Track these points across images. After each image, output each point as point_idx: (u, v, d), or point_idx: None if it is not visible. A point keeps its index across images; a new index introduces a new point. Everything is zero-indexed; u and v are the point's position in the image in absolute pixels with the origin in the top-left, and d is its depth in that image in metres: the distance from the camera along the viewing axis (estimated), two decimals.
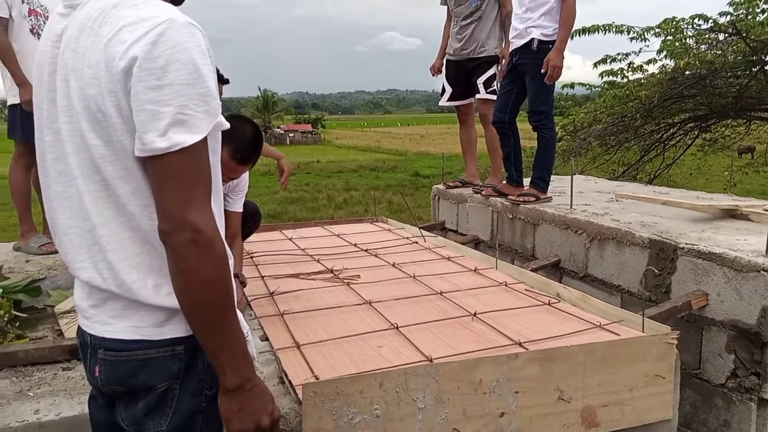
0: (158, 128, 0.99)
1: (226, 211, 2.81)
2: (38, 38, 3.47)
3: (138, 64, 0.99)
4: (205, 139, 1.04)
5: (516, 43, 3.91)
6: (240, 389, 1.08)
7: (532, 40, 3.79)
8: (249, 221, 3.10)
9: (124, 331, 1.12)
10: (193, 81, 1.02)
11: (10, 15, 3.37)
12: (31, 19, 3.45)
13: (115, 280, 1.10)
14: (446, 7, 4.82)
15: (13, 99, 3.44)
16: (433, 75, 5.00)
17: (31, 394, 1.90)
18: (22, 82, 3.35)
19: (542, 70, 3.69)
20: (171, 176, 1.01)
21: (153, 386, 1.13)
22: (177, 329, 1.12)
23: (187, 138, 1.01)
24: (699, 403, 2.78)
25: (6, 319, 2.24)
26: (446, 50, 4.84)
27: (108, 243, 1.09)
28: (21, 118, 3.42)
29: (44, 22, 3.52)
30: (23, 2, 3.43)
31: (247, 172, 2.89)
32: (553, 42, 3.76)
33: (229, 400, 1.09)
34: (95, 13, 1.06)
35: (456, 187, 4.92)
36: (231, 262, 1.13)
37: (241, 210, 2.87)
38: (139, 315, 1.12)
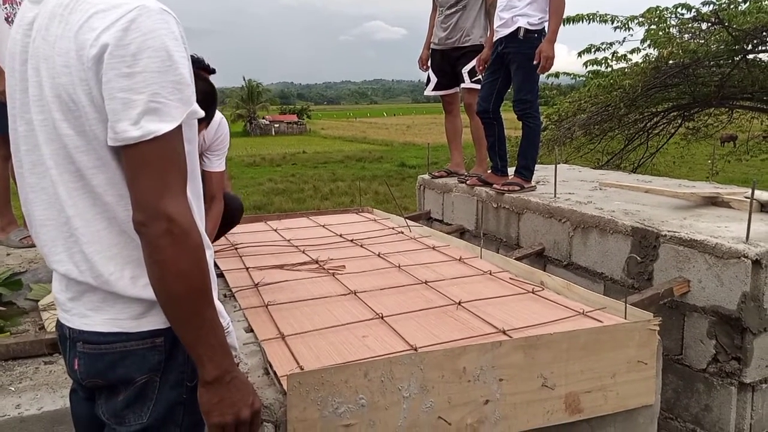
0: (130, 117, 0.98)
1: (203, 171, 2.77)
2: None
3: (109, 51, 0.98)
4: (180, 127, 1.03)
5: (501, 32, 3.90)
6: (219, 381, 1.07)
7: (518, 29, 3.79)
8: (229, 216, 3.03)
9: (103, 324, 1.11)
10: (165, 68, 1.00)
11: None
12: (6, 7, 3.37)
13: (91, 272, 1.09)
14: None
15: None
16: (421, 68, 4.97)
17: (13, 389, 1.88)
18: None
19: (534, 62, 3.69)
20: (144, 165, 1.00)
21: (133, 379, 1.12)
22: (156, 321, 1.11)
23: (160, 126, 0.99)
24: (681, 388, 2.82)
25: None
26: (432, 40, 4.82)
27: (83, 235, 1.08)
28: None
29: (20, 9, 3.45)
30: None
31: (227, 130, 2.83)
32: (539, 31, 3.76)
33: (209, 392, 1.08)
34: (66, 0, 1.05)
35: (441, 176, 4.93)
36: (209, 252, 1.12)
37: (222, 169, 2.79)
38: (117, 307, 1.11)
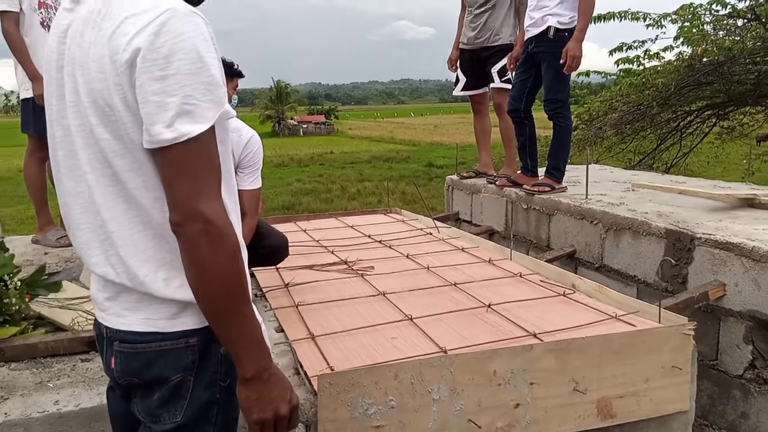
0: (164, 119, 0.99)
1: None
2: (48, 31, 3.46)
3: (141, 55, 0.99)
4: (213, 128, 1.03)
5: (532, 31, 3.89)
6: (257, 378, 1.08)
7: (548, 28, 3.77)
8: (273, 254, 2.92)
9: (139, 323, 1.13)
10: (197, 70, 1.01)
11: (21, 9, 3.35)
12: (41, 12, 3.44)
13: (127, 274, 1.11)
14: None
15: (26, 93, 3.44)
16: (450, 68, 4.95)
17: (51, 385, 1.93)
18: (34, 77, 3.35)
19: (561, 61, 3.66)
20: (179, 167, 1.01)
21: (167, 378, 1.13)
22: (191, 321, 1.13)
23: (193, 128, 1.00)
24: (716, 394, 2.76)
25: (18, 309, 2.26)
26: (460, 40, 4.80)
27: (119, 238, 1.10)
28: (34, 113, 3.42)
29: (55, 14, 3.52)
30: None
31: (258, 147, 2.79)
32: (569, 30, 3.72)
33: (248, 389, 1.09)
34: (98, 5, 1.06)
35: (470, 177, 4.90)
36: (245, 253, 1.13)
37: (255, 187, 2.71)
38: (152, 308, 1.13)
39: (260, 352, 1.09)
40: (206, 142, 1.03)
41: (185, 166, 1.01)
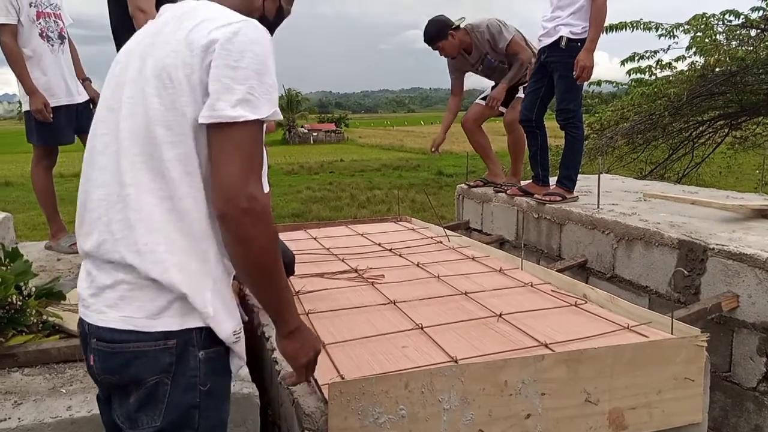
0: (230, 100, 1.11)
1: None
2: (48, 41, 3.46)
3: (220, 43, 1.12)
4: (262, 123, 1.15)
5: (544, 41, 3.90)
6: (297, 330, 1.29)
7: (560, 38, 3.77)
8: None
9: (117, 321, 1.15)
10: (262, 72, 1.15)
11: (19, 21, 3.33)
12: (40, 23, 3.41)
13: (126, 240, 1.15)
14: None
15: (28, 105, 3.42)
16: (432, 151, 5.12)
17: (64, 391, 1.94)
18: (31, 91, 3.33)
19: (574, 72, 3.67)
20: (234, 147, 1.11)
21: (143, 379, 1.15)
22: (170, 322, 1.15)
23: (251, 114, 1.12)
24: (729, 406, 2.73)
25: (33, 318, 2.28)
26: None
27: (133, 201, 1.14)
28: (36, 124, 3.44)
29: (54, 22, 3.49)
30: (30, 6, 3.38)
31: (264, 148, 2.79)
32: (581, 40, 3.73)
33: (292, 341, 1.29)
34: (178, 12, 1.21)
35: (477, 186, 4.91)
36: None
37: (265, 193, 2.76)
38: (135, 305, 1.15)
39: (295, 309, 1.30)
40: (258, 130, 1.15)
41: (239, 147, 1.11)
